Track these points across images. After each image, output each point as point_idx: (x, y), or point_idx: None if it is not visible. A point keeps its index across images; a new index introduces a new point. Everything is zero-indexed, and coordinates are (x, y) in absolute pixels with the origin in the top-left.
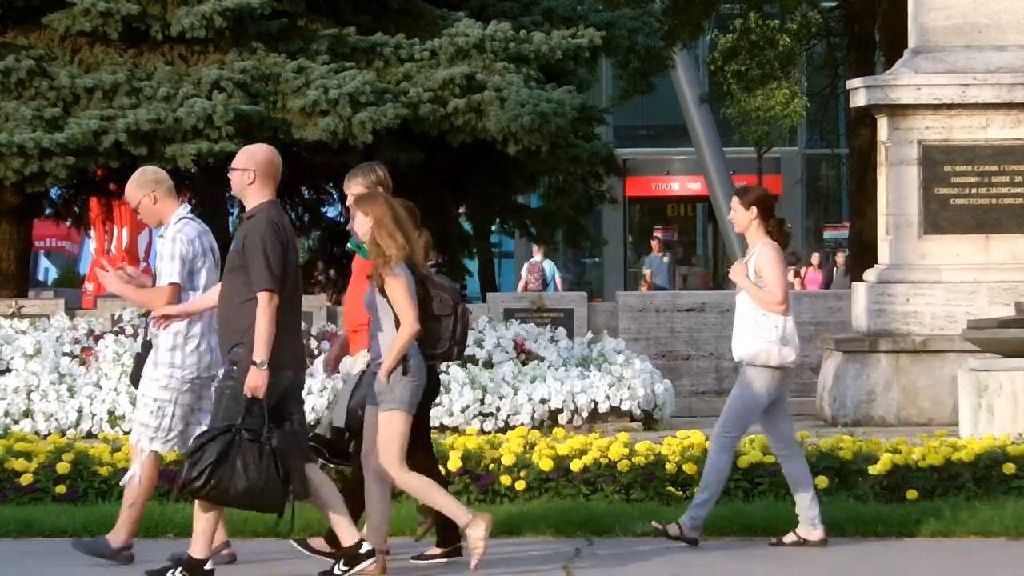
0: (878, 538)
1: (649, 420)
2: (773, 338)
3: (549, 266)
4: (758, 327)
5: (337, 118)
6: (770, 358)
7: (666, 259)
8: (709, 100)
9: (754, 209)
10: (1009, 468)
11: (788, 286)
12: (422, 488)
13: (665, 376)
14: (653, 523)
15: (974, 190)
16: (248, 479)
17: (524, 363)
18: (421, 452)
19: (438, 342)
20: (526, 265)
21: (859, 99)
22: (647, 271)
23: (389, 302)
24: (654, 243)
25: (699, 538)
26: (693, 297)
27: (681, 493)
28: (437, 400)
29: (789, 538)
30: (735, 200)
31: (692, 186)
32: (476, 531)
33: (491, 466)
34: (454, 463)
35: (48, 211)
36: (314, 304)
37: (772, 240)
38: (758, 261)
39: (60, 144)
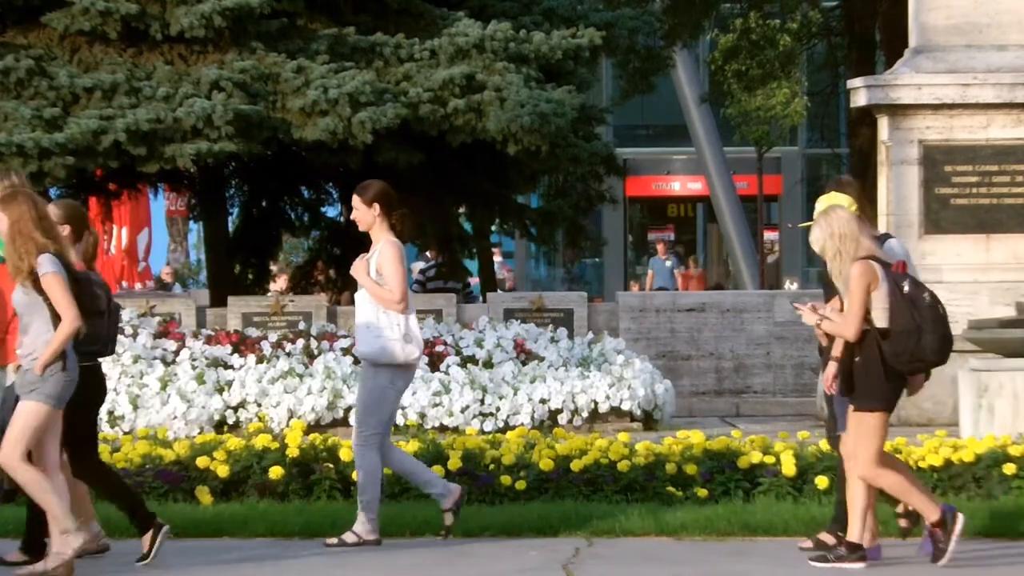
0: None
1: (649, 420)
2: (396, 336)
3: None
4: (380, 325)
5: (337, 118)
6: (394, 356)
7: (669, 263)
8: (709, 100)
9: (376, 206)
10: (1010, 468)
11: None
12: (34, 484)
13: (665, 376)
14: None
15: (975, 190)
16: None
17: (524, 363)
18: (88, 452)
19: (95, 339)
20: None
21: (860, 99)
22: (650, 272)
23: (45, 300)
24: (659, 245)
25: (380, 539)
26: (693, 297)
27: (681, 493)
28: (437, 400)
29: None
30: (356, 198)
31: (692, 186)
32: (67, 545)
33: (491, 466)
34: (454, 463)
35: None
36: (314, 304)
37: (395, 237)
38: (379, 259)
39: (59, 144)
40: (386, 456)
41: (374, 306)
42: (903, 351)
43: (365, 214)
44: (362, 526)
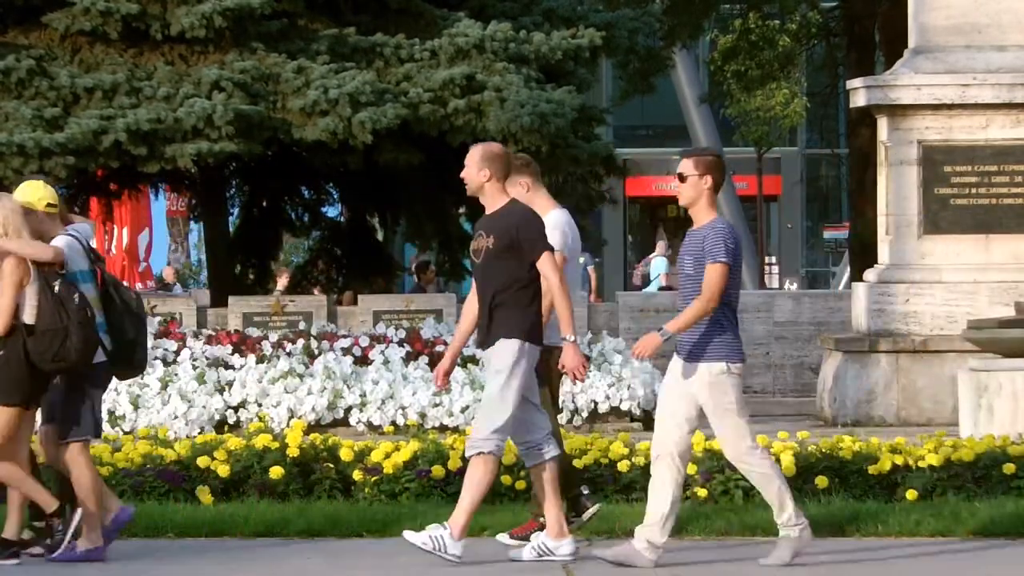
0: (878, 538)
1: (649, 420)
2: None
3: (659, 263)
4: None
5: (337, 118)
6: None
7: (582, 259)
8: (709, 100)
9: None
10: (1009, 468)
11: None
12: None
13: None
14: None
15: (974, 190)
16: None
17: None
18: None
19: None
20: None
21: (859, 99)
22: None
23: None
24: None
25: None
26: None
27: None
28: (437, 400)
29: None
30: None
31: None
32: None
33: None
34: (454, 463)
35: None
36: (314, 304)
37: None
38: None
39: (60, 144)
40: None
41: None
42: (47, 350)
43: None
44: None
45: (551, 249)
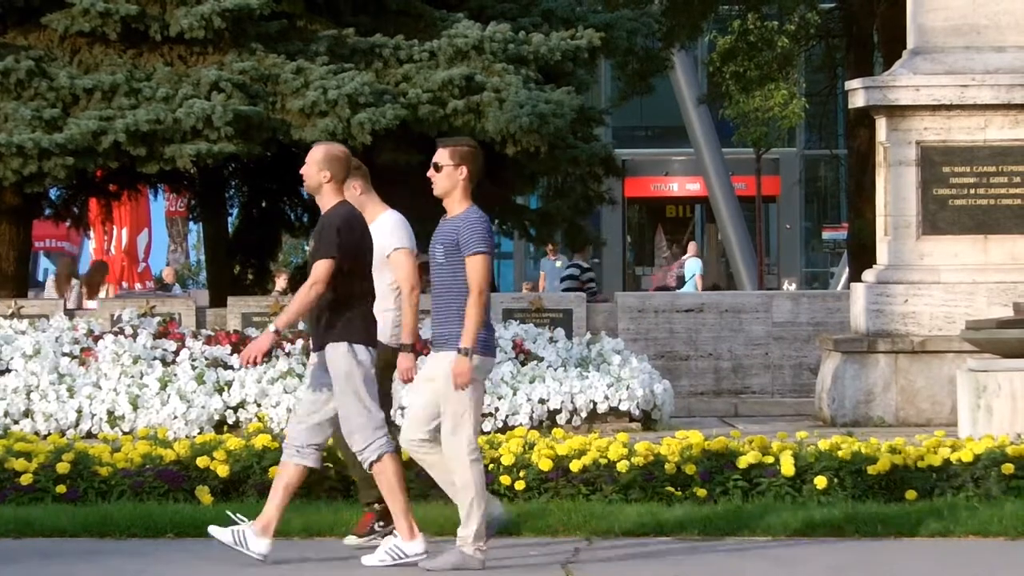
0: (877, 538)
1: (648, 420)
2: None
3: (692, 264)
4: None
5: (336, 119)
6: None
7: (559, 263)
8: (708, 101)
9: None
10: (1008, 468)
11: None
12: None
13: (664, 376)
14: None
15: (973, 191)
16: None
17: (523, 363)
18: None
19: None
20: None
21: (858, 100)
22: (541, 273)
23: None
24: (549, 248)
25: None
26: (692, 298)
27: (680, 493)
28: None
29: None
30: None
31: (691, 187)
32: None
33: (491, 466)
34: None
35: (48, 211)
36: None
37: None
38: None
39: (59, 144)
40: None
41: None
42: None
43: None
44: None
45: (332, 258)
